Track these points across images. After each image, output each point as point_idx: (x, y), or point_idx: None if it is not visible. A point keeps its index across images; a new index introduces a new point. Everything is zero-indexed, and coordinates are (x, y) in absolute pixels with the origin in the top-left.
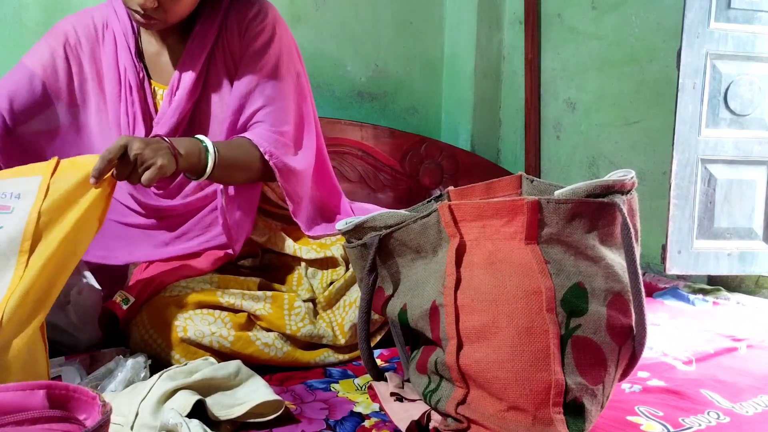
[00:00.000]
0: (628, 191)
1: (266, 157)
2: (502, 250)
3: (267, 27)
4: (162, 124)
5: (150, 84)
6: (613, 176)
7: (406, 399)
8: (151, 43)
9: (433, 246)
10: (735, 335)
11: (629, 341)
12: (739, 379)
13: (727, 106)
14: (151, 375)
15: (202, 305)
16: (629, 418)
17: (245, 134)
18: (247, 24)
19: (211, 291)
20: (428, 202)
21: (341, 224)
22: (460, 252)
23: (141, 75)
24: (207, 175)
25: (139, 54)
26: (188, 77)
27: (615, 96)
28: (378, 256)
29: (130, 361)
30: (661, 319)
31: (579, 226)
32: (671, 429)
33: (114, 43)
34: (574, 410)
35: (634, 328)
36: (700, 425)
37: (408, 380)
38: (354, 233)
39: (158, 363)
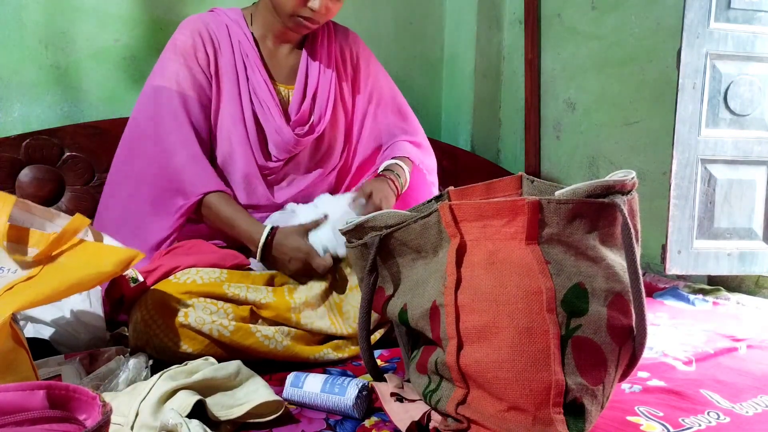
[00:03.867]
0: (629, 192)
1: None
2: (502, 250)
3: (366, 49)
4: (322, 122)
5: (273, 84)
6: (614, 177)
7: (406, 399)
8: (265, 47)
9: (434, 246)
10: (735, 335)
11: (629, 342)
12: (739, 379)
13: (727, 106)
14: (152, 375)
15: (206, 294)
16: (629, 418)
17: (402, 153)
18: (356, 41)
19: (217, 282)
20: (428, 202)
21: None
22: (461, 252)
23: (265, 76)
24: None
25: (260, 57)
26: (325, 83)
27: (615, 96)
28: (378, 256)
29: (131, 361)
30: (661, 319)
31: (579, 226)
32: (671, 429)
33: (231, 46)
34: (574, 410)
35: (635, 329)
36: (700, 425)
37: (408, 380)
38: (354, 233)
39: (156, 346)
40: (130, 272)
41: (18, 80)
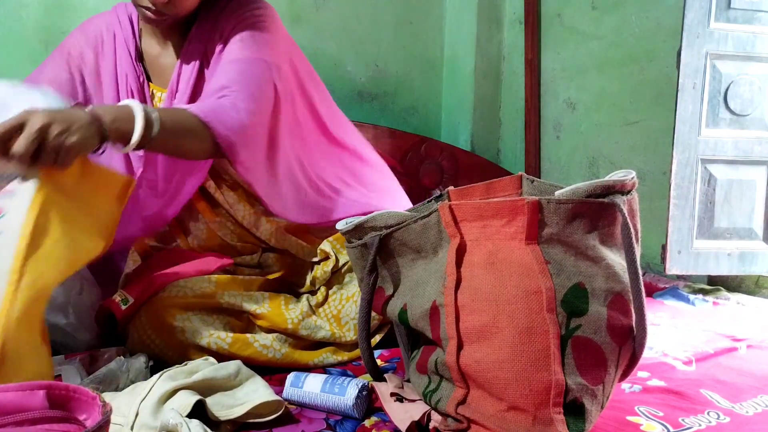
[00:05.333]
0: (629, 191)
1: (204, 120)
2: (502, 250)
3: (251, 17)
4: None
5: (149, 87)
6: (614, 176)
7: (406, 399)
8: (152, 46)
9: (434, 246)
10: (735, 335)
11: (629, 341)
12: (739, 379)
13: (727, 106)
14: (152, 375)
15: (201, 306)
16: (629, 418)
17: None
18: (233, 17)
19: (210, 292)
20: (428, 202)
21: (341, 224)
22: (461, 252)
23: (141, 79)
24: (135, 143)
25: (140, 57)
26: (185, 78)
27: (615, 96)
28: (378, 256)
29: (132, 361)
30: (661, 319)
31: (579, 226)
32: (671, 429)
33: (114, 49)
34: (574, 410)
35: (635, 329)
36: (700, 425)
37: (408, 380)
38: (354, 233)
39: (156, 363)
40: (119, 295)
41: (18, 80)
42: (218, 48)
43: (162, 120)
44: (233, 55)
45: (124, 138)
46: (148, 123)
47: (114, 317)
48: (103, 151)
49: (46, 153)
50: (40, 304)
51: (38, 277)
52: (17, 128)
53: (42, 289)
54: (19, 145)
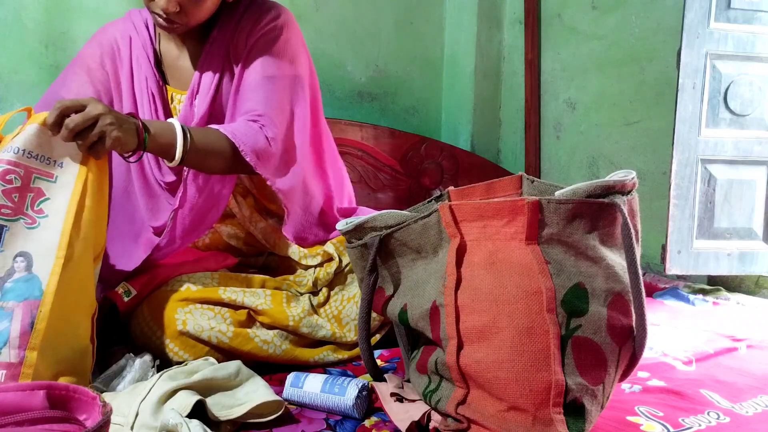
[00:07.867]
0: (629, 192)
1: (234, 142)
2: (502, 250)
3: (274, 29)
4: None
5: (167, 90)
6: (614, 177)
7: (406, 399)
8: (170, 49)
9: (434, 246)
10: (735, 335)
11: (629, 342)
12: (739, 379)
13: (727, 106)
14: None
15: (203, 300)
16: (629, 418)
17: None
18: (256, 26)
19: (212, 287)
20: (428, 202)
21: (341, 224)
22: (461, 252)
23: (160, 82)
24: (178, 159)
25: (158, 61)
26: (207, 81)
27: (615, 96)
28: (378, 257)
29: (138, 361)
30: (661, 319)
31: (579, 226)
32: (671, 429)
33: (130, 55)
34: (574, 410)
35: (635, 329)
36: (700, 425)
37: (408, 380)
38: (354, 233)
39: (157, 356)
40: (122, 287)
41: (18, 80)
42: (241, 56)
43: (193, 139)
44: (261, 73)
45: (162, 151)
46: (186, 141)
47: (116, 310)
48: (136, 159)
49: (90, 134)
50: (88, 279)
51: (83, 254)
52: (80, 108)
53: (87, 265)
54: (73, 120)
